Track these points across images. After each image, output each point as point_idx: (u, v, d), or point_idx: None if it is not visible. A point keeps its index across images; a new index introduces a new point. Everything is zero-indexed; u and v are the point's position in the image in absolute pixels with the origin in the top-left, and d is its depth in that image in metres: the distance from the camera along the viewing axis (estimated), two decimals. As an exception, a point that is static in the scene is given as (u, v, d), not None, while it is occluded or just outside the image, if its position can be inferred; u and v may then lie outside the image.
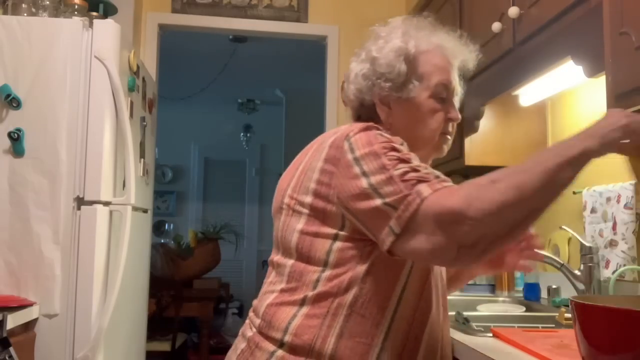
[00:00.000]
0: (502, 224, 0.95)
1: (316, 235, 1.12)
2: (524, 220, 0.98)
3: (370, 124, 1.14)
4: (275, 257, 1.21)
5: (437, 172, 1.05)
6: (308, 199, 1.13)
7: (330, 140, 1.14)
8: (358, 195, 1.04)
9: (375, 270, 1.10)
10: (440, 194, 0.97)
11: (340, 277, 1.10)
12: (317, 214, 1.12)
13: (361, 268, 1.10)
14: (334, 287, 1.10)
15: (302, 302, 1.11)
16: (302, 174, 1.16)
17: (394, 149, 1.06)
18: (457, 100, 1.29)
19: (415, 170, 1.02)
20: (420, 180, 1.00)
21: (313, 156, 1.16)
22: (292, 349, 1.09)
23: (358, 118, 1.28)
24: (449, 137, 1.25)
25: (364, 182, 1.04)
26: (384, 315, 1.10)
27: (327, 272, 1.11)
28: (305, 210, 1.13)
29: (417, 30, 1.26)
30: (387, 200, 1.00)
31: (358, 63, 1.26)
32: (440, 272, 1.24)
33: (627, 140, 1.05)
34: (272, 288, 1.18)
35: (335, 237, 1.11)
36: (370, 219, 1.04)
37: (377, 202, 1.01)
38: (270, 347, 1.11)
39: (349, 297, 1.09)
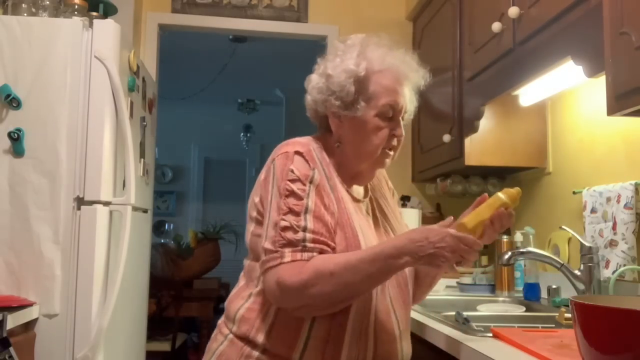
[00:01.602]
0: (324, 304, 1.20)
1: (259, 236, 1.28)
2: (341, 303, 1.22)
3: (297, 148, 1.29)
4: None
5: (309, 235, 1.20)
6: (254, 206, 1.32)
7: (272, 155, 1.32)
8: (261, 214, 1.29)
9: None
10: (290, 267, 1.18)
11: None
12: (259, 219, 1.30)
13: None
14: None
15: (249, 297, 1.30)
16: (257, 182, 1.34)
17: (292, 194, 1.23)
18: (408, 116, 1.39)
19: (294, 229, 1.20)
20: (290, 243, 1.20)
21: (264, 167, 1.33)
22: (237, 336, 1.29)
23: (319, 124, 1.41)
24: (392, 152, 1.35)
25: (267, 211, 1.26)
26: None
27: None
28: (254, 214, 1.32)
29: (373, 50, 1.33)
30: (266, 243, 1.22)
31: (317, 75, 1.37)
32: None
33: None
34: (238, 284, 1.38)
35: None
36: (256, 238, 1.29)
37: (263, 236, 1.25)
38: (226, 331, 1.32)
39: None
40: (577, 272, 1.85)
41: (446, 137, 2.62)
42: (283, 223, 1.21)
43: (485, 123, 2.38)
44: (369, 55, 1.32)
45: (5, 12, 2.26)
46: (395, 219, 1.46)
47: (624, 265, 1.79)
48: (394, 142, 1.34)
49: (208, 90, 6.20)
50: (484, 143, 2.46)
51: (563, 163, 2.34)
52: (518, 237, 2.32)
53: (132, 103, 2.41)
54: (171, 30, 3.47)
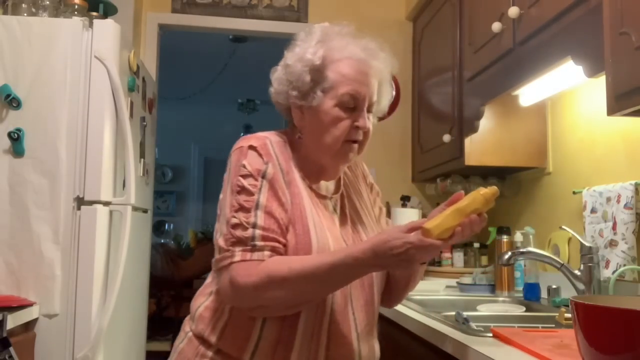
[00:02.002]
0: (279, 307, 1.18)
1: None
2: (300, 304, 1.19)
3: (251, 142, 1.25)
4: None
5: (259, 232, 1.17)
6: (219, 203, 1.28)
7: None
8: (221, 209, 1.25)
9: None
10: (242, 267, 1.16)
11: None
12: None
13: None
14: None
15: (209, 294, 1.29)
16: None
17: (243, 190, 1.21)
18: (379, 108, 1.34)
19: (243, 226, 1.18)
20: (239, 241, 1.17)
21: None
22: (195, 334, 1.27)
23: (287, 117, 1.36)
24: (354, 144, 1.28)
25: (222, 208, 1.24)
26: None
27: None
28: (218, 212, 1.28)
29: (333, 39, 1.29)
30: (219, 240, 1.20)
31: (280, 66, 1.33)
32: None
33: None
34: (206, 281, 1.35)
35: None
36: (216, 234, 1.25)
37: (217, 233, 1.22)
38: (187, 328, 1.30)
39: None
40: (577, 272, 1.85)
41: (446, 137, 2.62)
42: (233, 220, 1.19)
43: (485, 123, 2.38)
44: (329, 43, 1.28)
45: (5, 12, 2.26)
46: (368, 216, 1.40)
47: (624, 265, 1.79)
48: (358, 135, 1.28)
49: (208, 90, 6.20)
50: (484, 143, 2.46)
51: (563, 163, 2.34)
52: (518, 237, 2.32)
53: (132, 103, 2.41)
54: (171, 30, 3.48)
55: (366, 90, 1.27)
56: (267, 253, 1.17)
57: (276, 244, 1.19)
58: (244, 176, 1.22)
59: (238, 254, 1.17)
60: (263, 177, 1.22)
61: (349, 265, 1.13)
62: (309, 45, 1.28)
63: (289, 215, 1.22)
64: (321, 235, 1.23)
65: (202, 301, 1.30)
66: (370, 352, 1.32)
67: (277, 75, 1.32)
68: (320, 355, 1.22)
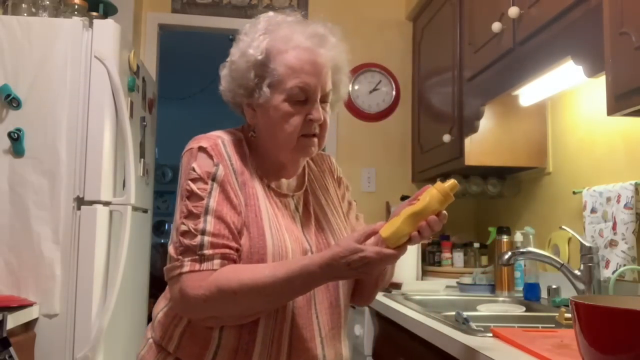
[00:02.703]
0: (232, 319, 1.15)
1: None
2: (253, 315, 1.15)
3: (202, 143, 1.20)
4: None
5: (207, 239, 1.12)
6: None
7: None
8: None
9: None
10: (192, 279, 1.11)
11: None
12: None
13: None
14: None
15: (169, 301, 1.23)
16: None
17: (192, 195, 1.16)
18: (338, 97, 1.28)
19: (192, 233, 1.13)
20: (188, 250, 1.12)
21: None
22: (155, 341, 1.24)
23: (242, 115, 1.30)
24: (312, 138, 1.22)
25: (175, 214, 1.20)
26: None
27: None
28: None
29: (278, 29, 1.22)
30: (170, 248, 1.16)
31: (227, 63, 1.26)
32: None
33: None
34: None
35: None
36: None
37: (171, 239, 1.17)
38: (148, 334, 1.27)
39: None
40: (577, 272, 1.85)
41: (446, 137, 2.62)
42: (182, 227, 1.14)
43: (485, 123, 2.38)
44: (274, 34, 1.20)
45: (5, 12, 2.26)
46: (335, 212, 1.34)
47: (624, 265, 1.79)
48: (314, 128, 1.20)
49: (208, 90, 6.19)
50: (484, 143, 2.46)
51: (563, 163, 2.34)
52: (518, 237, 2.32)
53: (132, 103, 2.41)
54: (171, 30, 3.47)
55: (316, 80, 1.19)
56: (216, 262, 1.12)
57: (226, 251, 1.13)
58: (193, 180, 1.17)
59: (187, 264, 1.11)
60: (213, 179, 1.17)
61: (304, 279, 1.09)
62: (252, 39, 1.21)
63: (242, 218, 1.16)
64: (278, 238, 1.17)
65: (162, 306, 1.26)
66: (337, 357, 1.26)
67: (224, 72, 1.26)
68: None
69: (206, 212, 1.14)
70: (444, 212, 1.11)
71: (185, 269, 1.11)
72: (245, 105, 1.25)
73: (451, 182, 1.12)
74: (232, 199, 1.17)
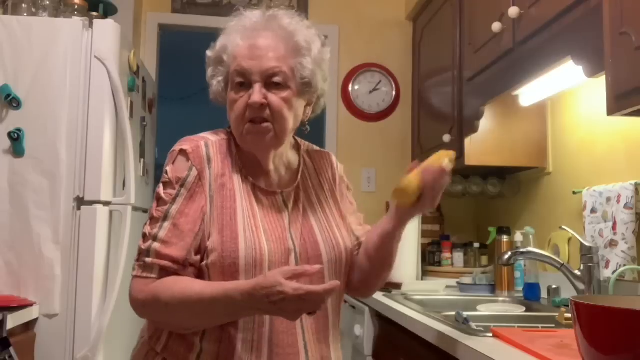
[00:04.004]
0: (171, 328, 1.18)
1: None
2: (189, 328, 1.16)
3: (183, 146, 1.21)
4: None
5: (155, 246, 1.14)
6: None
7: None
8: None
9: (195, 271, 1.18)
10: (136, 283, 1.15)
11: None
12: None
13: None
14: None
15: None
16: None
17: (159, 199, 1.18)
18: (307, 82, 1.22)
19: (146, 237, 1.16)
20: (140, 253, 1.16)
21: None
22: (145, 341, 1.25)
23: None
24: (261, 124, 1.19)
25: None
26: None
27: None
28: None
29: (234, 26, 1.25)
30: (137, 254, 1.18)
31: None
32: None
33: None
34: None
35: None
36: None
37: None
38: (142, 333, 1.29)
39: None
40: (577, 272, 1.85)
41: (446, 137, 2.62)
42: (145, 229, 1.18)
43: (485, 123, 2.38)
44: (231, 30, 1.25)
45: (5, 12, 2.26)
46: (326, 212, 1.30)
47: (624, 265, 1.79)
48: (255, 112, 1.17)
49: (208, 90, 6.18)
50: (484, 143, 2.46)
51: (563, 163, 2.34)
52: (518, 237, 2.32)
53: (132, 103, 2.41)
54: (171, 30, 3.47)
55: (254, 63, 1.17)
56: (155, 272, 1.13)
57: (167, 264, 1.13)
58: (164, 184, 1.19)
59: (136, 267, 1.16)
60: (182, 185, 1.17)
61: (226, 304, 1.07)
62: (215, 44, 1.27)
63: (210, 224, 1.16)
64: (252, 241, 1.15)
65: None
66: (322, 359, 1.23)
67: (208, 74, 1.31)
68: None
69: (165, 217, 1.16)
70: (448, 167, 1.17)
71: (134, 272, 1.16)
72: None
73: (449, 152, 1.21)
74: (199, 205, 1.17)
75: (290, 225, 1.24)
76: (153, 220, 1.17)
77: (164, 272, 1.13)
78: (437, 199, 1.21)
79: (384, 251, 1.29)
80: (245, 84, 1.19)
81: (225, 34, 1.25)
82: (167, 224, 1.15)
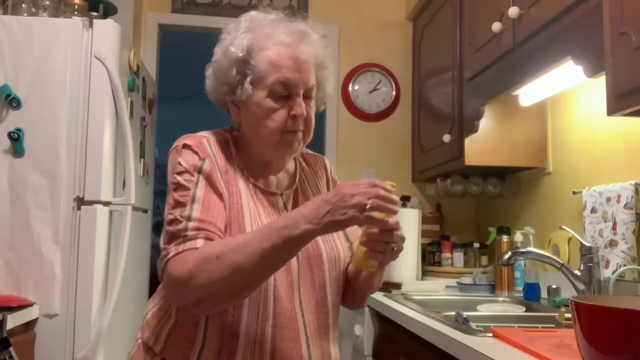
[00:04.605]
0: (221, 295, 1.08)
1: None
2: (241, 290, 1.09)
3: (186, 141, 1.21)
4: None
5: (192, 224, 1.12)
6: None
7: None
8: None
9: None
10: (176, 260, 1.09)
11: None
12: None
13: None
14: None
15: (157, 301, 1.26)
16: None
17: (179, 187, 1.16)
18: (324, 94, 1.29)
19: (178, 220, 1.13)
20: (173, 236, 1.12)
21: None
22: (143, 342, 1.24)
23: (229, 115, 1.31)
24: (296, 134, 1.21)
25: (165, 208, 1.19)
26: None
27: None
28: None
29: (260, 27, 1.23)
30: (160, 243, 1.15)
31: (212, 63, 1.28)
32: (301, 273, 1.21)
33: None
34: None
35: None
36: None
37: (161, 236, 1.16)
38: (138, 335, 1.27)
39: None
40: (577, 272, 1.85)
41: (446, 137, 2.62)
42: (169, 217, 1.14)
43: (485, 123, 2.38)
44: (255, 33, 1.22)
45: (5, 12, 2.26)
46: None
47: (624, 265, 1.79)
48: (297, 124, 1.20)
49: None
50: (484, 143, 2.46)
51: (563, 163, 2.34)
52: (518, 237, 2.32)
53: (132, 103, 2.41)
54: (171, 30, 3.47)
55: (299, 76, 1.20)
56: (200, 241, 1.10)
57: (211, 232, 1.12)
58: (180, 173, 1.17)
59: (172, 249, 1.11)
60: (199, 172, 1.17)
61: (284, 227, 1.04)
62: (234, 37, 1.23)
63: (226, 212, 1.17)
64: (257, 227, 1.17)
65: (151, 307, 1.27)
66: (325, 356, 1.24)
67: (209, 72, 1.28)
68: None
69: (193, 200, 1.15)
70: (392, 219, 1.07)
71: (171, 254, 1.10)
72: (229, 103, 1.26)
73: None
74: (218, 190, 1.17)
75: None
76: (179, 204, 1.14)
77: (208, 241, 1.11)
78: (397, 250, 1.14)
79: (367, 283, 1.31)
80: (285, 95, 1.21)
81: (253, 37, 1.22)
82: (196, 206, 1.14)
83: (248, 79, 1.20)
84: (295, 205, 1.28)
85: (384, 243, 1.10)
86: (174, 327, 1.19)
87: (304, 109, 1.20)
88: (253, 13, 1.28)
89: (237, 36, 1.23)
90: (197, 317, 1.17)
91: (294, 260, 1.20)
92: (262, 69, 1.19)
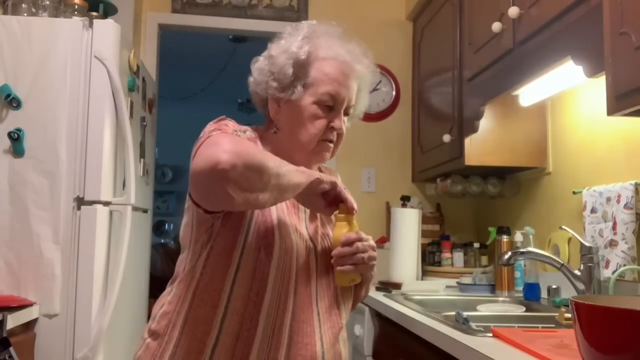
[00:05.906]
0: (240, 179, 1.04)
1: (185, 225, 1.26)
2: (262, 188, 1.09)
3: (223, 117, 1.26)
4: None
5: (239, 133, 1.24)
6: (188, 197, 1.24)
7: None
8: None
9: (213, 254, 1.20)
10: (221, 133, 1.14)
11: (189, 263, 1.23)
12: (188, 208, 1.24)
13: (204, 253, 1.20)
14: (184, 273, 1.23)
15: (170, 291, 1.26)
16: None
17: (218, 129, 1.19)
18: (357, 113, 1.38)
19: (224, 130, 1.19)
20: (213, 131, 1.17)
21: None
22: (156, 335, 1.23)
23: (263, 112, 1.36)
24: (330, 144, 1.30)
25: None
26: (220, 296, 1.18)
27: (183, 258, 1.26)
28: (186, 205, 1.26)
29: (320, 37, 1.30)
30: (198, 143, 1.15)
31: (262, 57, 1.33)
32: (308, 266, 1.24)
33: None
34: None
35: (191, 226, 1.23)
36: (185, 228, 1.25)
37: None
38: (145, 335, 1.27)
39: (194, 282, 1.20)
40: (577, 272, 1.85)
41: (446, 137, 2.62)
42: (211, 136, 1.15)
43: (485, 123, 2.38)
44: (316, 41, 1.28)
45: (5, 12, 2.26)
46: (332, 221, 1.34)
47: (624, 265, 1.79)
48: (333, 135, 1.29)
49: (208, 90, 6.20)
50: (484, 143, 2.46)
51: (563, 163, 2.34)
52: (518, 237, 2.32)
53: (132, 103, 2.41)
54: (171, 30, 3.47)
55: (346, 92, 1.28)
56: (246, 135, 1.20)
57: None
58: (218, 121, 1.23)
59: (215, 131, 1.17)
60: (243, 132, 1.25)
61: (293, 172, 1.14)
62: (295, 40, 1.29)
63: None
64: (286, 232, 1.21)
65: (164, 301, 1.27)
66: (336, 356, 1.26)
67: (259, 65, 1.32)
68: (281, 354, 1.18)
69: (235, 133, 1.22)
70: (352, 234, 1.21)
71: (215, 132, 1.16)
72: (271, 99, 1.30)
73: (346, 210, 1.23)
74: None
75: (307, 228, 1.29)
76: (222, 131, 1.18)
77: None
78: (369, 259, 1.23)
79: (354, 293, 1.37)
80: (329, 106, 1.28)
81: (314, 45, 1.28)
82: (242, 134, 1.24)
83: (301, 82, 1.26)
84: (312, 212, 1.32)
85: (350, 256, 1.20)
86: (190, 310, 1.19)
87: (342, 124, 1.30)
88: (314, 22, 1.34)
89: (298, 40, 1.29)
90: (216, 299, 1.17)
91: (312, 259, 1.24)
92: (317, 77, 1.26)
